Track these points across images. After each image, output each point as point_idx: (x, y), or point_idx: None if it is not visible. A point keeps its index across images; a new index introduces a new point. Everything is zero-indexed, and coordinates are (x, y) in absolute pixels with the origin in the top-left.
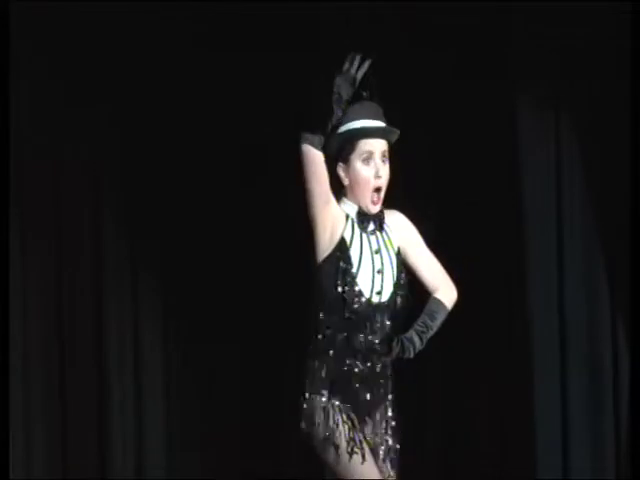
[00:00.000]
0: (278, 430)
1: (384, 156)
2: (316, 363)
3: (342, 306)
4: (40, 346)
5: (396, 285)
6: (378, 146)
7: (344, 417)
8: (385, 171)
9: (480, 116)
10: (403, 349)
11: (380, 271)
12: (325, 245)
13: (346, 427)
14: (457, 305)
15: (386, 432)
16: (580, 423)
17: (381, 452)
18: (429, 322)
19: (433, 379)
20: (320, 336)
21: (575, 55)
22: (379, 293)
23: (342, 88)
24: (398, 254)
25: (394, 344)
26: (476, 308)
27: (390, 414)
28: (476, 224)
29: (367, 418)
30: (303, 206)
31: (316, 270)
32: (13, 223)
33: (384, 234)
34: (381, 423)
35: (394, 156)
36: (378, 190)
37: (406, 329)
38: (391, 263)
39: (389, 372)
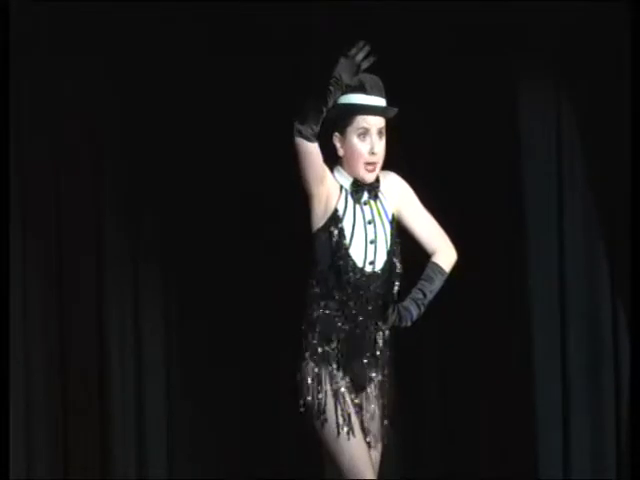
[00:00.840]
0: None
1: (380, 132)
2: (310, 332)
3: (335, 276)
4: (41, 341)
5: (390, 254)
6: (375, 123)
7: (338, 386)
8: (380, 147)
9: (481, 102)
10: (400, 318)
11: (373, 241)
12: (319, 216)
13: (337, 398)
14: (457, 277)
15: (379, 405)
16: (580, 399)
17: (372, 426)
18: (426, 289)
19: (430, 349)
20: (314, 305)
21: (576, 41)
22: (372, 263)
23: (344, 71)
24: (392, 222)
25: (390, 312)
26: (476, 283)
27: (386, 386)
28: (477, 205)
29: (361, 389)
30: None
31: (310, 241)
32: (14, 214)
33: (378, 203)
34: (376, 396)
35: (394, 135)
36: (372, 165)
37: (405, 296)
38: (385, 233)
39: (385, 342)
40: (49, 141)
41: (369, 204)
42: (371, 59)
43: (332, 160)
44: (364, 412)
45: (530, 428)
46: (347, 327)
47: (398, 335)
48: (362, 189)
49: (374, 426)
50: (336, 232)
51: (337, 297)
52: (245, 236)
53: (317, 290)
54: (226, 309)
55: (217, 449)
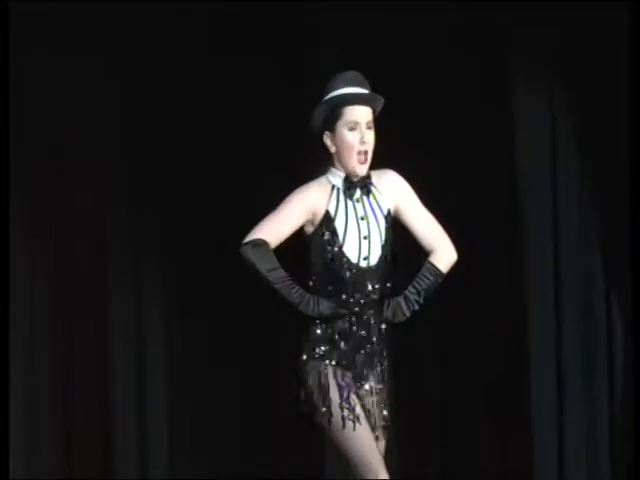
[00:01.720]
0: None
1: (369, 124)
2: (311, 328)
3: (331, 273)
4: (45, 341)
5: (384, 249)
6: (363, 115)
7: (339, 381)
8: (370, 137)
9: (477, 103)
10: (393, 313)
11: (367, 237)
12: (312, 224)
13: (340, 393)
14: (455, 276)
15: (380, 398)
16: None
17: (375, 418)
18: (420, 287)
19: (427, 345)
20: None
21: (572, 42)
22: (366, 258)
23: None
24: (387, 217)
25: (384, 307)
26: (474, 281)
27: (385, 379)
28: (474, 206)
29: (362, 382)
30: None
31: (306, 244)
32: (16, 214)
33: (372, 199)
34: (376, 388)
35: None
36: (364, 153)
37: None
38: (379, 228)
39: (382, 336)
40: (49, 140)
41: (361, 201)
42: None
43: (324, 163)
44: (366, 404)
45: (526, 423)
46: (346, 323)
47: (397, 331)
48: (354, 186)
49: (376, 417)
50: (328, 232)
51: (335, 294)
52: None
53: (315, 288)
54: (227, 308)
55: (217, 448)
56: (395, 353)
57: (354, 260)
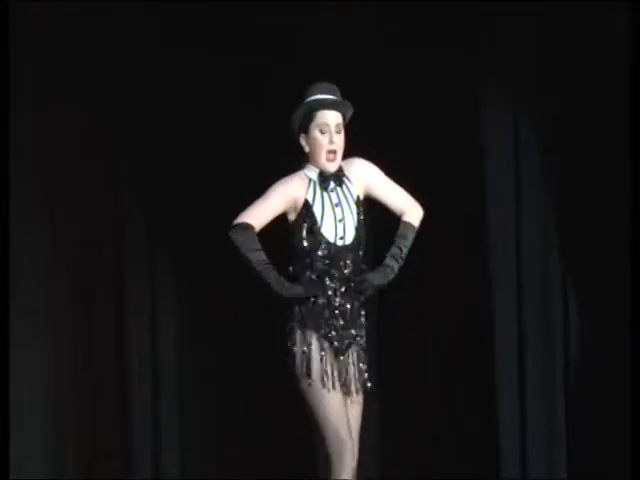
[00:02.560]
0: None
1: (338, 127)
2: (296, 305)
3: (312, 253)
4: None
5: (357, 229)
6: (333, 118)
7: (320, 348)
8: (339, 139)
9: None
10: (383, 274)
11: (341, 220)
12: (294, 212)
13: (319, 358)
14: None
15: (358, 368)
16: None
17: (352, 386)
18: (402, 244)
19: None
20: (300, 280)
21: (538, 47)
22: (342, 238)
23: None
24: (358, 202)
25: (372, 274)
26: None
27: (363, 350)
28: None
29: (342, 351)
30: None
31: (289, 230)
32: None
33: (344, 188)
34: (354, 358)
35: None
36: (333, 152)
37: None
38: (351, 212)
39: (361, 310)
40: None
41: (335, 190)
42: None
43: (301, 160)
44: (343, 372)
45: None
46: (326, 298)
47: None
48: (328, 179)
49: (352, 383)
50: (308, 217)
51: (316, 271)
52: None
53: (299, 268)
54: (236, 307)
55: (225, 445)
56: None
57: (331, 240)
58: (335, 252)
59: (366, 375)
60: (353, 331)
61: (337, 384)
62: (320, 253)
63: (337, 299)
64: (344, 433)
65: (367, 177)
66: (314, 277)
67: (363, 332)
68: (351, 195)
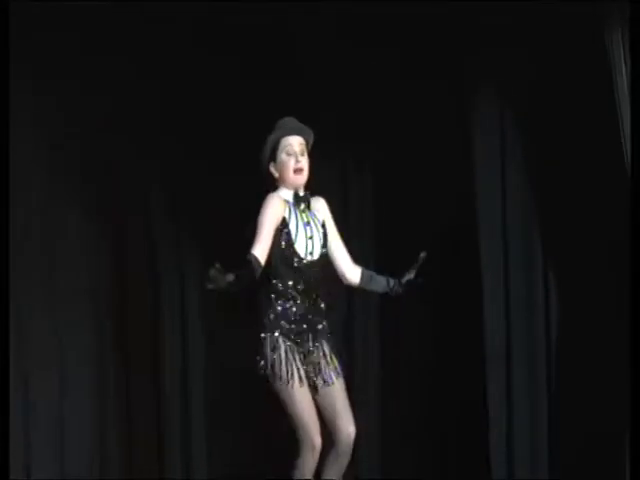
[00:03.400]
0: None
1: (302, 150)
2: (268, 310)
3: (286, 265)
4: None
5: (322, 247)
6: (296, 142)
7: (287, 351)
8: (303, 159)
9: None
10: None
11: (311, 237)
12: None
13: (287, 359)
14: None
15: (324, 375)
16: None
17: (319, 380)
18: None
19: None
20: (271, 289)
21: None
22: (311, 253)
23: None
24: (323, 225)
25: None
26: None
27: (327, 349)
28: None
29: (308, 350)
30: None
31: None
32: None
33: (312, 211)
34: (320, 364)
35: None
36: (299, 170)
37: None
38: (318, 232)
39: (322, 313)
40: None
41: (306, 212)
42: None
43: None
44: (316, 368)
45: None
46: (295, 304)
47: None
48: (300, 201)
49: (326, 373)
50: (285, 233)
51: (288, 281)
52: None
53: (274, 281)
54: None
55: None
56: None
57: (302, 255)
58: (304, 266)
59: (337, 363)
60: (318, 336)
61: (304, 383)
62: (292, 265)
63: (299, 307)
64: (312, 429)
65: (325, 215)
66: (280, 286)
67: (326, 330)
68: (317, 218)
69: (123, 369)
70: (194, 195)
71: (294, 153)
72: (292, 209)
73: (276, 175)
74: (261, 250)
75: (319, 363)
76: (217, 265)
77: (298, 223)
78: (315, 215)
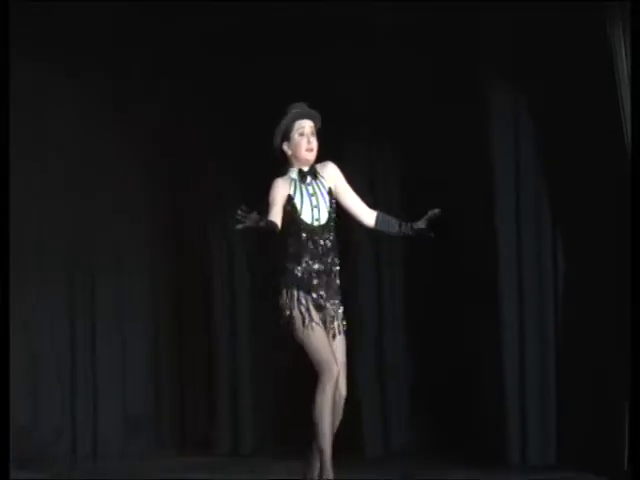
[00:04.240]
0: None
1: (312, 132)
2: (287, 268)
3: (297, 231)
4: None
5: (330, 212)
6: (308, 125)
7: (304, 302)
8: (313, 140)
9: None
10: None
11: (316, 206)
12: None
13: (303, 309)
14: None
15: (336, 317)
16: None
17: (332, 329)
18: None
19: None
20: (289, 256)
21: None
22: (317, 220)
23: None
24: (330, 192)
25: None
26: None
27: (339, 302)
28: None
29: (322, 305)
30: None
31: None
32: None
33: (319, 182)
34: (332, 309)
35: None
36: (310, 150)
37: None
38: (324, 200)
39: (337, 275)
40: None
41: (311, 184)
42: None
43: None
44: (327, 321)
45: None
46: (308, 264)
47: None
48: (305, 176)
49: (334, 328)
50: (290, 207)
51: (299, 246)
52: None
53: (287, 246)
54: None
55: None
56: None
57: (309, 222)
58: (312, 230)
59: (343, 321)
60: (330, 293)
61: (320, 325)
62: (299, 232)
63: (315, 265)
64: (329, 355)
65: (335, 178)
66: (295, 251)
67: (339, 295)
68: (324, 187)
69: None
70: (239, 164)
71: (306, 134)
72: (298, 184)
73: (289, 153)
74: (274, 215)
75: (331, 316)
76: (243, 207)
77: (303, 195)
78: (322, 183)
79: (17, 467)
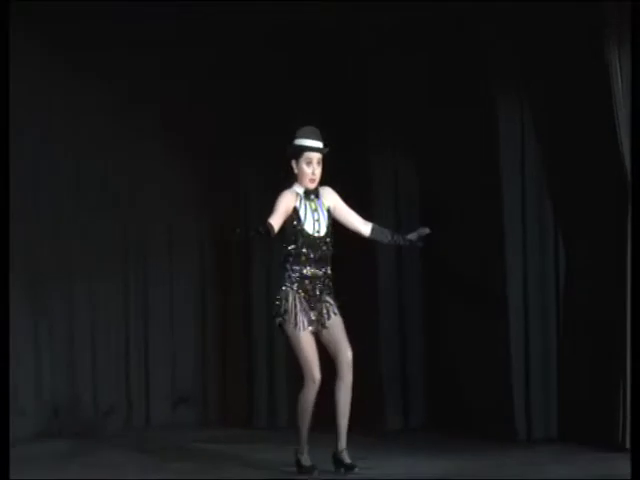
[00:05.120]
0: None
1: (319, 162)
2: (287, 271)
3: (298, 241)
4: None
5: (327, 226)
6: (315, 156)
7: (297, 301)
8: (318, 170)
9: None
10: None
11: (317, 220)
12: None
13: (297, 307)
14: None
15: (327, 314)
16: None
17: (321, 319)
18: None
19: None
20: (290, 260)
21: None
22: (318, 231)
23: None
24: (328, 210)
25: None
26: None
27: (330, 301)
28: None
29: (314, 305)
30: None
31: (285, 226)
32: None
33: (318, 201)
34: (323, 308)
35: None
36: (313, 180)
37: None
38: (324, 215)
39: (328, 276)
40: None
41: (314, 201)
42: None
43: (290, 178)
44: (316, 313)
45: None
46: (305, 266)
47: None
48: (309, 193)
49: (325, 315)
50: (296, 218)
51: (300, 252)
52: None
53: (291, 251)
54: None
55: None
56: None
57: (310, 232)
58: (312, 240)
59: (335, 306)
60: (324, 295)
61: (308, 326)
62: (302, 240)
63: (310, 270)
64: (313, 366)
65: (333, 201)
66: (295, 255)
67: (331, 296)
68: (324, 206)
69: (220, 312)
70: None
71: (312, 165)
72: (302, 200)
73: (295, 171)
74: (275, 219)
75: (322, 309)
76: (237, 230)
77: (307, 210)
78: (322, 203)
79: (75, 437)
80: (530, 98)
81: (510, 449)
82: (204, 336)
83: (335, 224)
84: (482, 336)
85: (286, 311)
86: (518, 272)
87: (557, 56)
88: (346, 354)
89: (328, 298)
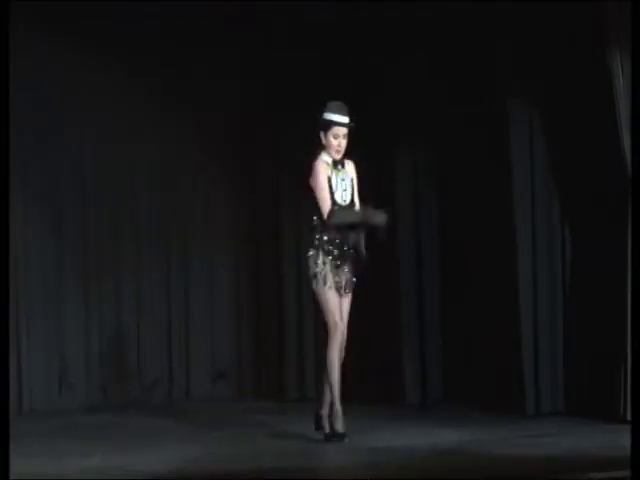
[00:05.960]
0: None
1: (345, 135)
2: (317, 237)
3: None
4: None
5: (352, 195)
6: (342, 130)
7: (326, 263)
8: (344, 142)
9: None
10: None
11: (345, 189)
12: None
13: (326, 268)
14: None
15: (350, 276)
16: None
17: (344, 287)
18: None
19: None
20: (321, 225)
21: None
22: (345, 200)
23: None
24: (352, 180)
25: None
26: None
27: (350, 267)
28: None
29: (340, 267)
30: None
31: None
32: None
33: (344, 171)
34: (348, 271)
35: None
36: (339, 151)
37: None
38: (350, 184)
39: (351, 242)
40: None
41: (341, 171)
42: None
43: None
44: (341, 278)
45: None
46: (333, 232)
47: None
48: (337, 163)
49: (345, 285)
50: (329, 187)
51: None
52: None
53: (319, 219)
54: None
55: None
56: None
57: (339, 201)
58: (340, 208)
59: (353, 279)
60: (347, 254)
61: (334, 286)
62: (334, 207)
63: (339, 237)
64: (338, 318)
65: (355, 173)
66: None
67: (353, 255)
68: (348, 175)
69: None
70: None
71: (338, 138)
72: (332, 170)
73: (323, 142)
74: (328, 199)
75: (344, 278)
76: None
77: (337, 180)
78: (347, 173)
79: (122, 409)
80: (538, 99)
81: (519, 421)
82: (239, 319)
83: None
84: (495, 318)
85: (315, 274)
86: (527, 249)
87: (563, 57)
88: (342, 328)
89: (349, 267)
